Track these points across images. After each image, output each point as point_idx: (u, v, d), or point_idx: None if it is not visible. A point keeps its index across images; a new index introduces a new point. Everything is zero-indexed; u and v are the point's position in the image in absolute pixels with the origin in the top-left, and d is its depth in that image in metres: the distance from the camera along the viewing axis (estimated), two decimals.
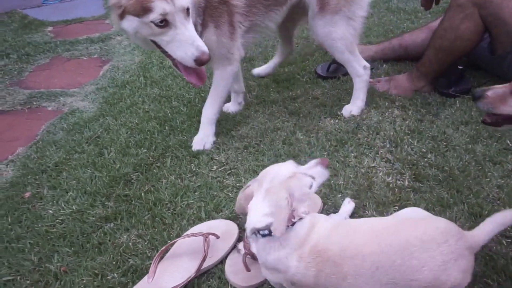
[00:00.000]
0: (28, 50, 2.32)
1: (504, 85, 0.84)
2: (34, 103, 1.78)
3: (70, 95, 1.82)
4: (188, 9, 1.06)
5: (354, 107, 1.45)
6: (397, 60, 1.81)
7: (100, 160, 1.33)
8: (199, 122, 1.47)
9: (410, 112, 1.42)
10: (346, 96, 1.57)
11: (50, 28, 2.74)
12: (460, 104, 1.42)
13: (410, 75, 1.54)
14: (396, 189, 1.08)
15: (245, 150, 1.32)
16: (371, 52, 1.81)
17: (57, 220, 1.10)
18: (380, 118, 1.40)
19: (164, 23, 1.03)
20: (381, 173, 1.15)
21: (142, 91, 1.75)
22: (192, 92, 1.69)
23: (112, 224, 1.07)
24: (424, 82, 1.50)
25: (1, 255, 1.01)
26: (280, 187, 0.72)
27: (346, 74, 1.72)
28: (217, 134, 1.40)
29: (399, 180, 1.12)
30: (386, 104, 1.49)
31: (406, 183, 1.11)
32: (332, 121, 1.43)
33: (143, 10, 1.02)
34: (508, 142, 1.21)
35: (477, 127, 1.29)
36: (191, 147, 1.35)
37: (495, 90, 0.84)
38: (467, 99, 1.44)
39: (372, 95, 1.55)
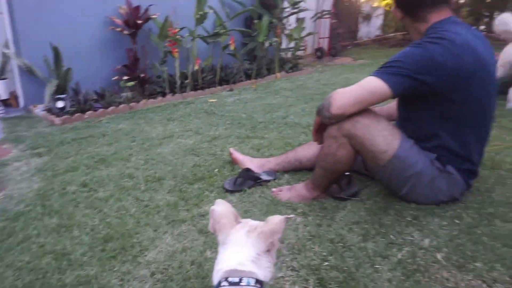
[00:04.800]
0: None
1: None
2: None
3: None
4: None
5: None
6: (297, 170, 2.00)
7: None
8: (102, 251, 1.39)
9: (310, 218, 1.54)
10: (252, 207, 1.65)
11: None
12: (351, 206, 1.59)
13: (307, 185, 1.70)
14: None
15: (153, 277, 1.25)
16: (272, 164, 1.98)
17: None
18: (284, 227, 1.48)
19: None
20: (288, 283, 1.17)
21: (38, 222, 1.63)
22: (97, 218, 1.63)
23: None
24: (319, 192, 1.67)
25: None
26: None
27: (252, 186, 1.84)
28: (122, 262, 1.33)
29: (305, 287, 1.15)
30: (289, 212, 1.59)
31: None
32: None
33: None
34: (392, 237, 1.35)
35: (366, 226, 1.43)
36: (90, 283, 1.24)
37: None
38: (355, 201, 1.63)
39: (276, 205, 1.66)
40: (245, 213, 1.61)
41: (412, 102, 1.53)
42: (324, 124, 1.57)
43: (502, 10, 9.00)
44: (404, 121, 1.62)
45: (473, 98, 1.42)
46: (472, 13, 9.59)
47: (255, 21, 4.92)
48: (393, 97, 1.44)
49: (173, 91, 4.06)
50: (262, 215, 1.57)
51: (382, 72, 1.41)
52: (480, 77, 1.40)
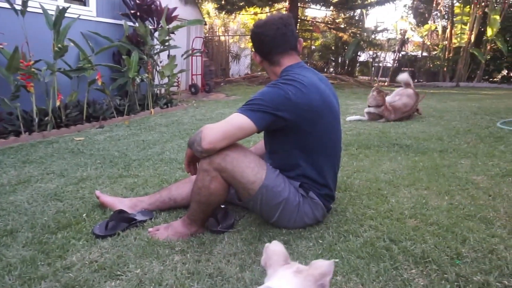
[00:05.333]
0: None
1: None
2: None
3: None
4: None
5: None
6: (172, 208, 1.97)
7: None
8: None
9: (188, 255, 1.52)
10: (128, 251, 1.55)
11: None
12: (228, 238, 1.64)
13: (184, 221, 1.69)
14: None
15: None
16: (145, 204, 1.91)
17: None
18: (162, 268, 1.43)
19: None
20: None
21: None
22: None
23: None
24: (196, 227, 1.68)
25: None
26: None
27: (125, 229, 1.73)
28: None
29: None
30: (167, 252, 1.54)
31: None
32: (113, 283, 1.35)
33: None
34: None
35: (243, 256, 1.49)
36: None
37: None
38: (232, 232, 1.69)
39: (153, 246, 1.59)
40: (119, 259, 1.49)
41: (276, 136, 1.69)
42: (195, 156, 1.61)
43: (343, 55, 10.87)
44: (271, 153, 1.78)
45: (322, 130, 1.66)
46: (322, 57, 11.30)
47: (124, 56, 4.81)
48: (258, 132, 1.58)
49: (30, 130, 3.59)
50: (138, 259, 1.49)
51: (246, 110, 1.54)
52: (325, 114, 1.65)
